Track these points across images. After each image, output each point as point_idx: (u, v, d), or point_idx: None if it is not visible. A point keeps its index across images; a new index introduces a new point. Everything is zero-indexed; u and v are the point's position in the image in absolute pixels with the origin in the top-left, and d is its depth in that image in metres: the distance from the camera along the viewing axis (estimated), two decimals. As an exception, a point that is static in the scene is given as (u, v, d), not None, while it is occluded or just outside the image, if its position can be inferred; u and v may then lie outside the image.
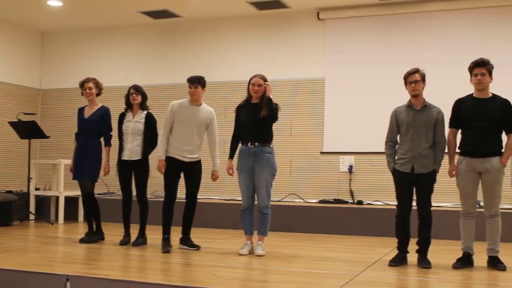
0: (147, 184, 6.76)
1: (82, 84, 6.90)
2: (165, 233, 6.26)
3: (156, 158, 6.32)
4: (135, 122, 6.66)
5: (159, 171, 6.28)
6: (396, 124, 5.55)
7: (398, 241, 5.53)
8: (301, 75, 9.41)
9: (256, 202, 6.12)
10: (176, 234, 6.41)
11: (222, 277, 4.73)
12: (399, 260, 5.43)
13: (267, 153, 6.04)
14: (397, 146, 5.59)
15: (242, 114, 6.16)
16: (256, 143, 6.03)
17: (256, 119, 6.00)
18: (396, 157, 5.56)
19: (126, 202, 6.77)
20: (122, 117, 6.78)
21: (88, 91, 6.86)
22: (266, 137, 6.08)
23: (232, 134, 6.28)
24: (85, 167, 6.75)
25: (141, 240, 6.64)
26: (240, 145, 6.20)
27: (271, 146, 6.12)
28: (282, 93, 9.22)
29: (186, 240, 6.41)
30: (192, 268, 5.35)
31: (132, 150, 6.63)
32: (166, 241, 6.22)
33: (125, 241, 6.66)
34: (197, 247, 6.33)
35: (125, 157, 6.66)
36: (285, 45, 9.62)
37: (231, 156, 6.21)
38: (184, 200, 6.44)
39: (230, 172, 6.18)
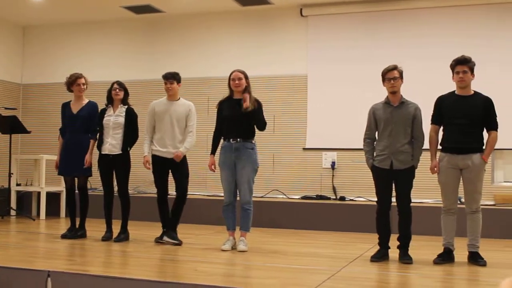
0: (129, 179, 6.72)
1: (75, 80, 6.82)
2: (163, 226, 6.54)
3: (137, 154, 6.32)
4: (116, 116, 6.64)
5: (144, 166, 6.46)
6: (374, 121, 5.58)
7: (379, 237, 5.56)
8: (284, 71, 9.43)
9: (238, 198, 6.13)
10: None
11: (204, 273, 4.73)
12: (381, 256, 5.47)
13: (249, 149, 6.05)
14: (375, 142, 5.63)
15: (224, 109, 6.16)
16: (238, 139, 6.04)
17: (238, 115, 6.01)
18: (374, 154, 5.59)
19: (108, 197, 6.75)
20: (103, 112, 6.76)
21: (82, 86, 6.83)
22: (248, 132, 6.09)
23: (213, 130, 6.28)
24: (78, 162, 6.71)
25: (123, 236, 6.62)
26: (222, 141, 6.19)
27: (253, 142, 6.12)
28: (265, 89, 9.24)
29: (171, 233, 6.43)
30: (174, 264, 5.35)
31: (113, 144, 6.61)
32: (162, 233, 6.49)
33: (107, 237, 6.63)
34: (179, 242, 6.35)
35: (106, 151, 6.64)
36: (268, 41, 9.62)
37: (213, 152, 6.23)
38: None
39: (212, 168, 6.20)
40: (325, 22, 9.31)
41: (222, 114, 6.17)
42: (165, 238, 6.41)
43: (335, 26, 9.26)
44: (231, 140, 6.07)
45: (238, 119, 6.03)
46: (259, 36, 9.69)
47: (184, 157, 6.48)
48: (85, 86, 6.87)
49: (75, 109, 6.86)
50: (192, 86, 9.55)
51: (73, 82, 6.84)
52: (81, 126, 6.79)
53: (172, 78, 6.46)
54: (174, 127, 6.43)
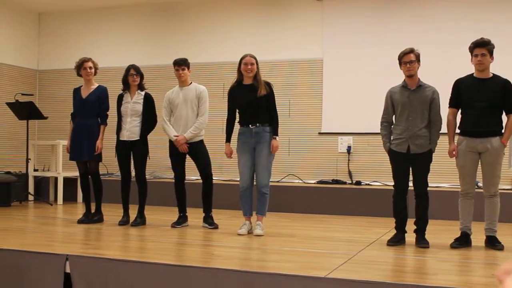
0: (146, 164, 6.75)
1: (81, 64, 6.85)
2: (179, 211, 6.62)
3: (153, 139, 6.33)
4: (134, 103, 6.65)
5: (180, 148, 6.46)
6: (391, 105, 5.54)
7: (396, 221, 5.54)
8: (299, 55, 9.37)
9: (254, 183, 6.13)
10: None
11: (221, 256, 4.75)
12: (398, 240, 5.45)
13: (268, 133, 6.05)
14: (392, 126, 5.59)
15: (236, 97, 6.13)
16: (258, 124, 6.03)
17: (252, 100, 6.01)
18: (391, 138, 5.56)
19: (125, 183, 6.78)
20: (120, 99, 6.77)
21: (88, 70, 6.83)
22: (264, 117, 6.07)
23: (226, 119, 6.27)
24: (88, 147, 6.75)
25: (140, 221, 6.66)
26: (239, 126, 6.18)
27: (270, 125, 6.11)
28: (280, 74, 9.21)
29: (206, 219, 6.54)
30: (191, 248, 5.37)
31: (131, 131, 6.64)
32: (179, 218, 6.58)
33: (123, 222, 6.67)
34: (215, 226, 6.46)
35: (124, 137, 6.66)
36: (284, 25, 9.56)
37: (228, 140, 6.22)
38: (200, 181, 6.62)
39: (229, 156, 6.20)
40: (341, 6, 9.23)
41: (235, 102, 6.16)
42: (203, 224, 6.50)
43: (351, 9, 9.17)
44: (250, 125, 6.05)
45: (254, 105, 6.02)
46: (274, 21, 9.64)
47: (201, 141, 6.50)
48: (92, 70, 6.86)
49: (84, 93, 6.88)
50: (206, 71, 9.54)
51: (80, 66, 6.86)
52: (90, 110, 6.81)
53: (183, 64, 6.50)
54: (188, 112, 6.48)
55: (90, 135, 6.76)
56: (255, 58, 6.09)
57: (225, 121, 6.27)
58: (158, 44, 10.28)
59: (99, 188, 6.90)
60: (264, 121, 6.06)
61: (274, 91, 6.15)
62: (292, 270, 4.09)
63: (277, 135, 6.07)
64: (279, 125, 6.12)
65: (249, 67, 6.04)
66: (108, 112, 6.90)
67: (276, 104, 6.17)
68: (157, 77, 9.45)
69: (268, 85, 6.10)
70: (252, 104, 6.03)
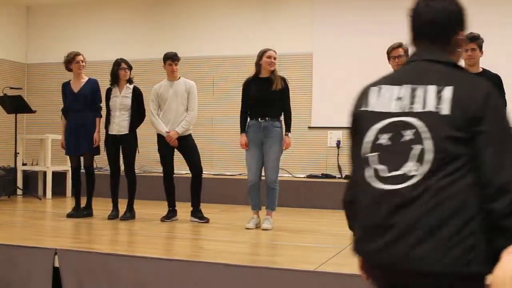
0: (135, 158, 6.73)
1: (73, 58, 6.78)
2: (169, 205, 6.57)
3: (143, 133, 6.31)
4: (122, 97, 6.63)
5: (171, 142, 6.39)
6: None
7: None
8: (289, 49, 9.34)
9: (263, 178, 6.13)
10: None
11: (210, 250, 4.75)
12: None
13: (277, 128, 6.04)
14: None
15: (251, 89, 6.08)
16: (267, 118, 6.01)
17: (266, 94, 5.98)
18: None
19: (114, 177, 6.77)
20: (108, 93, 6.74)
21: (81, 63, 6.79)
22: (276, 111, 6.06)
23: (240, 111, 6.23)
24: (85, 140, 6.72)
25: (129, 215, 6.64)
26: (249, 119, 6.13)
27: (280, 120, 6.10)
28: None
29: (196, 213, 6.50)
30: (179, 242, 5.37)
31: (120, 125, 6.61)
32: (168, 212, 6.54)
33: (113, 216, 6.65)
34: (205, 220, 6.42)
35: (113, 131, 6.64)
36: (273, 19, 9.55)
37: (243, 130, 6.14)
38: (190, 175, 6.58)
39: (245, 146, 6.11)
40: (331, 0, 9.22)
41: (249, 93, 6.10)
42: (191, 218, 6.47)
43: (341, 2, 9.17)
44: (259, 119, 6.02)
45: (267, 98, 5.99)
46: (264, 14, 9.61)
47: (190, 135, 6.49)
48: (84, 64, 6.84)
49: (75, 87, 6.84)
50: (196, 65, 9.51)
51: (71, 60, 6.79)
52: (84, 104, 6.77)
53: (177, 59, 6.50)
54: (178, 106, 6.46)
55: (86, 129, 6.73)
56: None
57: (239, 113, 6.20)
58: (146, 37, 10.22)
59: (92, 182, 6.87)
60: (274, 116, 6.04)
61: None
62: (281, 264, 4.10)
63: (289, 131, 6.07)
64: (291, 121, 6.11)
65: (273, 60, 6.02)
66: (101, 104, 6.87)
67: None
68: (144, 72, 9.40)
69: (284, 80, 6.08)
70: (265, 98, 5.99)
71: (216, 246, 4.98)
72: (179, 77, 6.59)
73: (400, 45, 5.42)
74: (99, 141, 6.76)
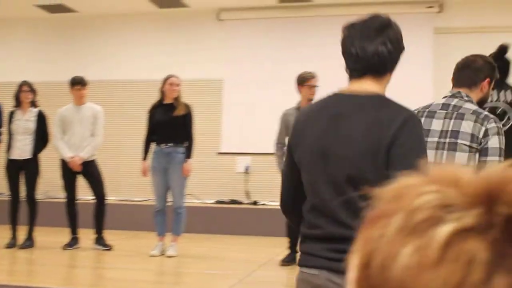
0: (37, 184, 6.52)
1: None
2: (71, 232, 6.40)
3: (45, 158, 6.16)
4: (26, 121, 6.45)
5: (75, 169, 6.26)
6: (285, 127, 5.68)
7: (289, 241, 5.65)
8: (199, 75, 9.38)
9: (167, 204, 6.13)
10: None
11: (111, 279, 4.66)
12: (290, 259, 5.54)
13: (180, 153, 6.05)
14: (284, 148, 5.72)
15: (156, 115, 6.12)
16: (170, 144, 6.01)
17: (170, 119, 6.01)
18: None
19: (14, 203, 6.54)
20: (11, 115, 6.53)
21: None
22: (179, 137, 6.08)
23: (145, 136, 6.23)
24: None
25: (29, 243, 6.40)
26: (155, 146, 6.15)
27: (185, 146, 6.11)
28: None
29: (99, 240, 6.37)
30: (81, 270, 5.23)
31: (22, 149, 6.42)
32: (71, 240, 6.35)
33: (11, 244, 6.39)
34: (108, 247, 6.28)
35: (15, 156, 6.44)
36: (185, 44, 9.56)
37: (144, 158, 6.17)
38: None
39: (145, 173, 6.13)
40: (242, 27, 9.36)
41: (153, 119, 6.12)
42: (95, 246, 6.32)
43: (252, 30, 9.32)
44: (162, 145, 6.03)
45: (170, 124, 6.03)
46: (175, 39, 9.62)
47: (93, 160, 6.39)
48: None
49: None
50: (104, 89, 9.35)
51: None
52: None
53: (86, 83, 6.44)
54: (84, 131, 6.37)
55: None
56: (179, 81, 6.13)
57: (144, 139, 6.21)
58: (54, 60, 9.95)
59: None
60: (178, 142, 6.06)
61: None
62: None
63: (189, 157, 6.08)
64: (193, 148, 6.14)
65: (175, 88, 6.06)
66: (1, 129, 6.63)
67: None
68: (51, 94, 9.14)
69: (187, 106, 6.15)
70: (168, 123, 6.03)
71: (118, 275, 4.89)
72: (86, 102, 6.48)
73: (315, 76, 5.60)
74: None
